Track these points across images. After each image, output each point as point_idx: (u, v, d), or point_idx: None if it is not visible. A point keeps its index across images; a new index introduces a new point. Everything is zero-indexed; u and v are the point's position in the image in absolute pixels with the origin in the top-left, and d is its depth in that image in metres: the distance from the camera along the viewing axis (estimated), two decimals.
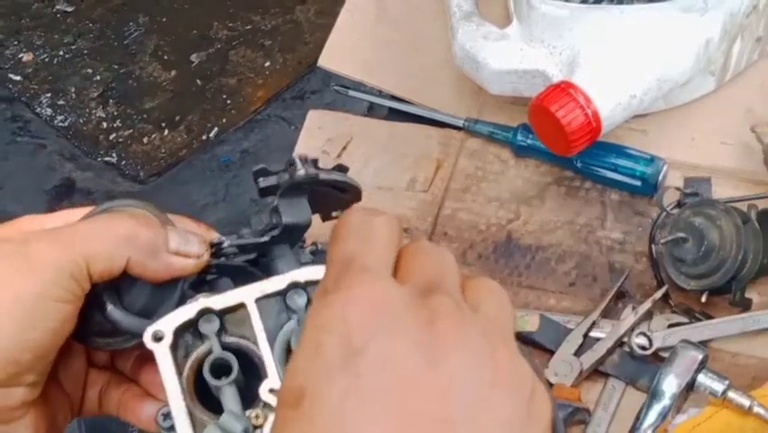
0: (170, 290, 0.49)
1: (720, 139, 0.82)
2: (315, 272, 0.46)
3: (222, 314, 0.46)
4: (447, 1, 0.84)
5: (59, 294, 0.44)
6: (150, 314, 0.48)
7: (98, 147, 2.06)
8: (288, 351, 0.46)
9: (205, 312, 0.46)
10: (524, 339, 0.72)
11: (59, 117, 2.10)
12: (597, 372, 0.71)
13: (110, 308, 0.48)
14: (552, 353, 0.71)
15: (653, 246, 0.76)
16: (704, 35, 0.75)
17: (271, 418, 0.44)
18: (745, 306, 0.72)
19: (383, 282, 0.34)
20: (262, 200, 0.53)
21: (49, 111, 2.11)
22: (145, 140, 2.07)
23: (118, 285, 0.48)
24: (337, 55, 0.92)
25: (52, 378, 0.48)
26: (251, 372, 0.46)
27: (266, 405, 0.44)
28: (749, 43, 0.81)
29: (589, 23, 0.76)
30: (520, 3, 0.80)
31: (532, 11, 0.78)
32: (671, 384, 0.64)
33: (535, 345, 0.72)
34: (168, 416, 0.45)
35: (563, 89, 0.73)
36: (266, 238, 0.51)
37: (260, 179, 0.52)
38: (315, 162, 0.52)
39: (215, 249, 0.51)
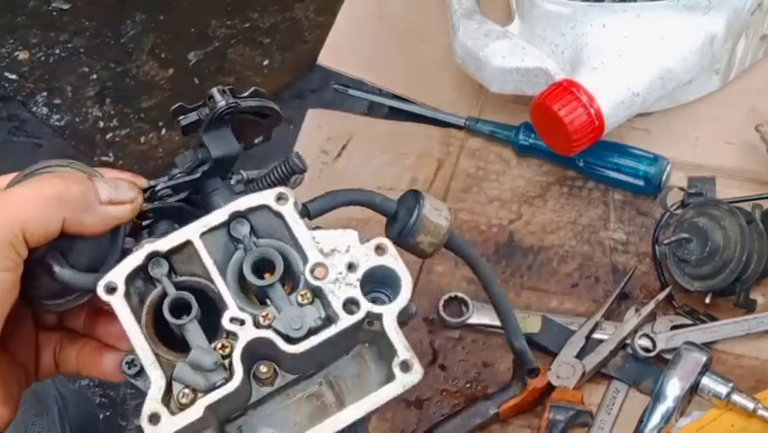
0: (113, 241, 0.50)
1: (725, 138, 0.81)
2: (254, 200, 0.47)
3: (169, 255, 0.47)
4: None
5: None
6: (98, 268, 0.49)
7: (95, 147, 2.05)
8: (240, 279, 0.47)
9: (152, 256, 0.47)
10: (526, 341, 0.71)
11: (56, 116, 2.09)
12: (600, 374, 0.71)
13: (57, 269, 0.48)
14: (554, 355, 0.71)
15: (656, 247, 0.75)
16: (708, 33, 0.75)
17: (237, 345, 0.45)
18: (750, 307, 0.71)
19: None
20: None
21: (45, 110, 2.10)
22: (142, 139, 2.06)
23: (60, 246, 0.48)
24: (337, 53, 0.92)
25: (1, 349, 0.48)
26: (206, 307, 0.47)
27: (229, 334, 0.45)
28: (754, 41, 0.81)
29: (591, 21, 0.75)
30: (522, 0, 0.80)
31: (534, 8, 0.78)
32: (674, 387, 0.64)
33: (538, 347, 0.71)
34: (132, 363, 0.46)
35: (566, 88, 0.72)
36: (198, 174, 0.52)
37: (181, 117, 0.53)
38: (232, 92, 0.52)
39: (150, 193, 0.52)
